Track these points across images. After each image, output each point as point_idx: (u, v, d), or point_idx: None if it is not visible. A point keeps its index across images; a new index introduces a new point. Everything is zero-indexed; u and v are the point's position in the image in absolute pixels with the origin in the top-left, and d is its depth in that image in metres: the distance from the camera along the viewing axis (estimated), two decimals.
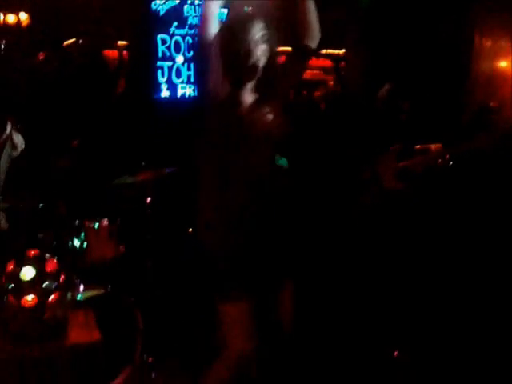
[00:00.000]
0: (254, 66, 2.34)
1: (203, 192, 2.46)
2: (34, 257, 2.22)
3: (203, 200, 2.46)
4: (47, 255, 2.27)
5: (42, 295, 2.17)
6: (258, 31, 2.34)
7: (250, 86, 2.40)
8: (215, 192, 2.40)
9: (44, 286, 2.17)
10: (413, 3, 6.83)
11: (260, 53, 2.34)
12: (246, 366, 2.45)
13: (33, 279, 2.16)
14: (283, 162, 3.88)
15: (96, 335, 2.39)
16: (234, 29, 2.35)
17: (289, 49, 2.61)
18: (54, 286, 2.19)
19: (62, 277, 2.25)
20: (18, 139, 2.88)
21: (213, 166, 2.40)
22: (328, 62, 9.25)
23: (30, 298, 2.14)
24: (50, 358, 2.17)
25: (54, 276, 2.20)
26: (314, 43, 2.52)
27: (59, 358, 2.18)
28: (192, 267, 2.60)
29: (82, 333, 2.35)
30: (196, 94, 2.72)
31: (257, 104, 2.41)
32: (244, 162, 2.36)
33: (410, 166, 3.56)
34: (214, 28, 2.36)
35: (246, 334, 2.37)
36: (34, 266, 2.17)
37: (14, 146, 2.84)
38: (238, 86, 2.38)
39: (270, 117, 2.42)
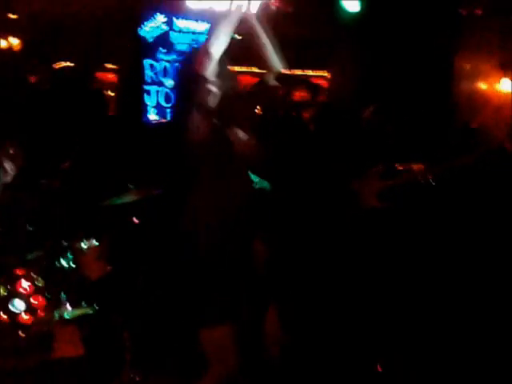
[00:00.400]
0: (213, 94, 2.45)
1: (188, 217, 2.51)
2: (22, 276, 2.29)
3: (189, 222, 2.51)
4: (34, 275, 2.34)
5: (27, 312, 2.24)
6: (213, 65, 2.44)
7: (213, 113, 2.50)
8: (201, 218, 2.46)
9: (28, 303, 2.24)
10: (398, 26, 6.97)
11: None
12: (231, 381, 2.49)
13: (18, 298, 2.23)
14: (265, 184, 3.92)
15: (80, 350, 2.44)
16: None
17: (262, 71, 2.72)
18: (38, 304, 2.25)
19: (49, 295, 2.31)
20: (8, 165, 2.92)
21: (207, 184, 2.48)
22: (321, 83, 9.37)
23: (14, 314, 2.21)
24: (34, 370, 2.22)
25: (39, 294, 2.26)
26: (269, 79, 2.68)
27: (43, 371, 2.23)
28: (177, 287, 2.64)
29: (66, 348, 2.40)
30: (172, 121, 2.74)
31: (225, 129, 2.50)
32: (224, 186, 2.45)
33: (391, 186, 3.64)
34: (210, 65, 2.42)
35: (229, 355, 2.42)
36: (4, 286, 2.25)
37: (4, 172, 2.88)
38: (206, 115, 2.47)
39: (244, 139, 2.53)
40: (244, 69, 5.71)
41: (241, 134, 2.53)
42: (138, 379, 3.10)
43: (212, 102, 2.47)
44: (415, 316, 3.55)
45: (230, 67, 2.62)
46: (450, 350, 3.32)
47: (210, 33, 2.47)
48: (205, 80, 2.39)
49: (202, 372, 2.53)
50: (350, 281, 3.66)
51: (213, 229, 2.44)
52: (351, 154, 3.98)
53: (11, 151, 2.84)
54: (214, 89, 2.46)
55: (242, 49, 2.78)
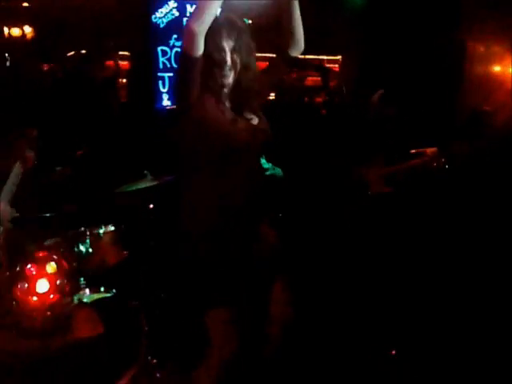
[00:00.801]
0: (227, 75, 2.34)
1: (190, 203, 2.44)
2: (42, 258, 2.35)
3: (189, 209, 2.48)
4: (55, 257, 2.40)
5: (49, 294, 2.30)
6: (229, 40, 2.33)
7: (226, 95, 2.39)
8: (204, 202, 2.37)
9: (50, 285, 2.30)
10: (407, 9, 6.91)
11: (233, 61, 2.34)
12: (232, 366, 2.50)
13: (41, 279, 2.29)
14: (277, 171, 3.93)
15: (99, 329, 2.49)
16: (207, 38, 2.26)
17: (272, 55, 2.63)
18: (59, 285, 2.31)
19: (68, 277, 2.37)
20: (29, 154, 2.96)
21: (203, 177, 2.36)
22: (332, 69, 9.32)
23: (36, 296, 2.27)
24: (56, 351, 2.29)
25: (59, 276, 2.32)
26: (297, 52, 2.56)
27: (64, 351, 2.30)
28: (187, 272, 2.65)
29: (86, 328, 2.46)
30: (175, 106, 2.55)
31: (237, 112, 2.39)
32: (234, 171, 2.34)
33: (400, 170, 3.64)
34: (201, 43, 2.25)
35: (228, 336, 2.39)
36: (41, 268, 2.30)
37: (25, 160, 2.91)
38: (218, 98, 2.35)
39: (254, 123, 2.42)
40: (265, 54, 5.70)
41: (255, 121, 2.43)
42: (154, 363, 3.16)
43: (224, 82, 2.34)
44: (422, 303, 3.57)
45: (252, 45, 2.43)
46: (451, 343, 3.33)
47: (193, 10, 2.25)
48: (196, 60, 2.22)
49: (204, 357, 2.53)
50: (358, 264, 3.69)
51: (214, 224, 2.37)
52: (358, 139, 3.99)
53: (31, 139, 2.87)
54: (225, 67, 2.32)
55: (255, 35, 2.71)
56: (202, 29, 2.19)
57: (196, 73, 2.26)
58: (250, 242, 2.43)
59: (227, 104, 2.39)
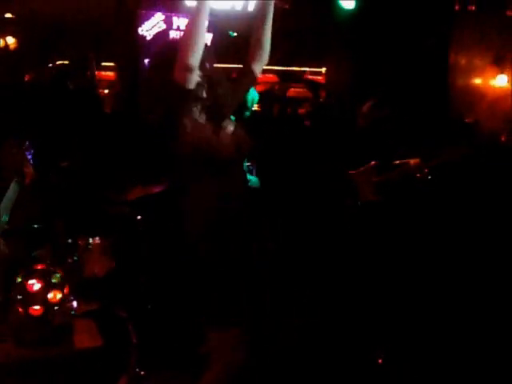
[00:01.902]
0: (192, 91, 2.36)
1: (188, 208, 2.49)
2: (41, 270, 2.35)
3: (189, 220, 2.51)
4: (52, 268, 2.40)
5: (48, 305, 2.30)
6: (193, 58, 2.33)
7: (197, 110, 2.43)
8: (201, 206, 2.41)
9: (49, 296, 2.30)
10: (393, 22, 7.01)
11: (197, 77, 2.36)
12: (237, 376, 2.51)
13: (39, 290, 2.29)
14: (254, 181, 3.95)
15: (97, 340, 2.49)
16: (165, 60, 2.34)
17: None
18: (58, 297, 2.31)
19: (67, 288, 2.37)
20: (28, 169, 2.91)
21: (201, 184, 2.40)
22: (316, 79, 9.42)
23: (36, 307, 2.27)
24: (56, 361, 2.28)
25: (59, 287, 2.32)
26: (259, 65, 2.62)
27: (64, 362, 2.29)
28: (183, 282, 2.66)
29: (82, 339, 2.46)
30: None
31: (213, 125, 2.44)
32: (217, 184, 2.38)
33: (388, 180, 3.68)
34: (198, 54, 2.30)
35: (235, 352, 2.39)
36: (40, 279, 2.30)
37: (24, 175, 2.86)
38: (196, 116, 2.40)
39: (230, 130, 2.47)
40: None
41: (231, 128, 2.48)
42: (143, 374, 3.15)
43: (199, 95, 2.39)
44: (415, 306, 3.60)
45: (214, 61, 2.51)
46: (450, 341, 3.37)
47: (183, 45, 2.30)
48: (189, 92, 2.29)
49: (206, 368, 2.53)
50: (351, 271, 3.71)
51: (210, 230, 2.39)
52: (348, 148, 4.02)
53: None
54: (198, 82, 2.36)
55: (240, 47, 2.75)
56: (197, 62, 2.25)
57: (186, 104, 2.32)
58: (250, 244, 2.45)
59: (204, 118, 2.43)
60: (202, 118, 2.43)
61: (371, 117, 4.10)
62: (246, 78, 2.67)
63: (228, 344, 2.38)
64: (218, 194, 2.38)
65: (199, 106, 2.42)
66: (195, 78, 2.29)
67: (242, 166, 2.57)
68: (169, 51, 2.41)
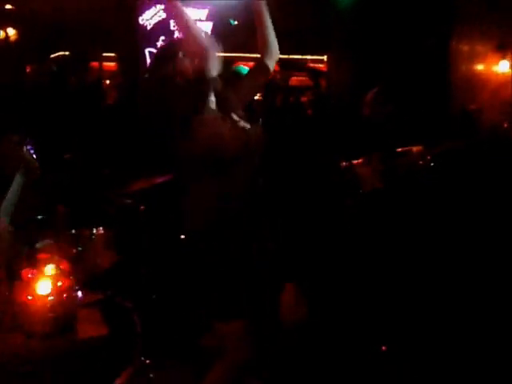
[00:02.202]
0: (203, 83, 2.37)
1: (191, 205, 2.48)
2: (45, 260, 2.36)
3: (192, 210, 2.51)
4: (55, 258, 2.41)
5: (53, 294, 2.32)
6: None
7: (212, 103, 2.42)
8: (204, 203, 2.40)
9: (54, 285, 2.32)
10: (394, 11, 6.98)
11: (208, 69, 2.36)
12: (244, 371, 2.52)
13: (44, 280, 2.31)
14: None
15: (103, 330, 2.52)
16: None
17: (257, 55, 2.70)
18: (63, 287, 2.33)
19: (72, 278, 2.39)
20: (35, 165, 2.87)
21: (206, 180, 2.38)
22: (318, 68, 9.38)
23: (41, 297, 2.29)
24: (59, 352, 2.31)
25: (64, 277, 2.34)
26: (271, 60, 2.65)
27: (66, 353, 2.32)
28: (186, 273, 2.67)
29: (88, 329, 2.48)
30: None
31: (226, 119, 2.43)
32: (217, 183, 2.37)
33: (392, 167, 3.68)
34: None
35: (242, 345, 2.41)
36: (44, 269, 2.32)
37: (30, 171, 2.82)
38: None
39: (245, 128, 2.46)
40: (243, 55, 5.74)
41: (243, 123, 2.47)
42: (148, 363, 3.18)
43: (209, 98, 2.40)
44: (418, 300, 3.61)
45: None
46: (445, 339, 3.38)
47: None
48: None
49: (212, 361, 2.55)
50: (352, 263, 3.73)
51: (210, 229, 2.39)
52: (350, 138, 4.02)
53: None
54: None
55: (241, 35, 2.75)
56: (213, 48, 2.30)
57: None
58: (250, 243, 2.45)
59: (216, 110, 2.42)
60: (214, 107, 2.41)
61: (376, 105, 4.10)
62: (260, 72, 2.68)
63: (229, 338, 2.40)
64: (218, 194, 2.36)
65: (214, 99, 2.41)
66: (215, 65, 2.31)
67: (251, 164, 2.47)
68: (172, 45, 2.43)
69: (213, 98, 2.42)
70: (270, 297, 2.52)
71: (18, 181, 2.82)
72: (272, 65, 2.67)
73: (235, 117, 2.45)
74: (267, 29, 2.63)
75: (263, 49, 2.64)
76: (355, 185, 3.70)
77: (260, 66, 2.67)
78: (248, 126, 2.48)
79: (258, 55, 2.68)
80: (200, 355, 3.04)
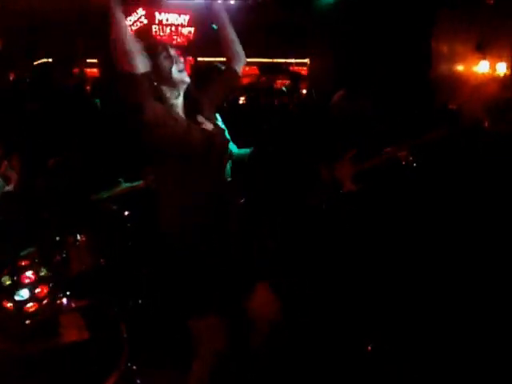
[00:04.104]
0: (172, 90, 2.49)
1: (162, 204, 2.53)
2: (26, 266, 2.37)
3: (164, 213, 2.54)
4: (34, 265, 2.41)
5: (32, 301, 2.32)
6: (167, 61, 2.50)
7: (178, 105, 2.53)
8: (176, 208, 2.47)
9: (35, 292, 2.32)
10: (374, 11, 7.04)
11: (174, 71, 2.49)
12: (221, 364, 2.57)
13: (25, 286, 2.32)
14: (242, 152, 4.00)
15: (84, 335, 2.52)
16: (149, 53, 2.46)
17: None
18: (44, 292, 2.33)
19: (53, 283, 2.39)
20: (12, 174, 2.87)
21: (173, 180, 2.46)
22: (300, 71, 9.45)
23: (22, 302, 2.30)
24: (37, 357, 2.31)
25: (45, 283, 2.34)
26: (238, 65, 2.73)
27: (46, 357, 2.32)
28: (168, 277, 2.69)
29: (69, 334, 2.48)
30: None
31: (190, 119, 2.52)
32: (197, 173, 2.44)
33: (369, 168, 3.70)
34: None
35: (216, 340, 2.50)
36: (25, 274, 2.32)
37: (6, 180, 2.82)
38: (169, 108, 2.49)
39: (208, 128, 2.54)
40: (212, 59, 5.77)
41: (208, 126, 2.55)
42: (134, 369, 3.17)
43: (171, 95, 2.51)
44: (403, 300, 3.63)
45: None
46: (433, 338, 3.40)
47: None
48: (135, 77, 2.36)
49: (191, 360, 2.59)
50: (336, 265, 3.74)
51: (188, 228, 2.45)
52: (323, 138, 4.05)
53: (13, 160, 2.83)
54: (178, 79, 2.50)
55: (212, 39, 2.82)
56: (133, 46, 2.39)
57: (142, 88, 2.38)
58: (226, 240, 2.50)
59: (180, 113, 2.52)
60: (178, 113, 2.50)
61: (342, 107, 4.13)
62: (229, 76, 2.76)
63: (204, 333, 2.47)
64: (188, 193, 2.43)
65: (175, 93, 2.50)
66: (141, 61, 2.37)
67: (218, 165, 2.57)
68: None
69: (177, 101, 2.51)
70: (243, 293, 2.57)
71: None
72: (239, 69, 2.75)
73: (200, 118, 2.53)
74: (229, 33, 2.70)
75: (228, 53, 2.72)
76: (333, 186, 3.72)
77: (227, 70, 2.75)
78: (211, 127, 2.55)
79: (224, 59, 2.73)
80: (187, 360, 3.04)
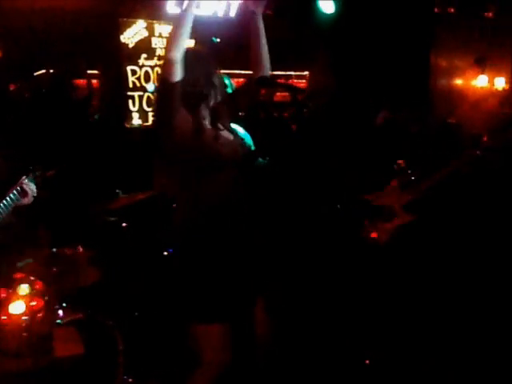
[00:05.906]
0: (202, 93, 2.49)
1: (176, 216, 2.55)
2: (21, 279, 2.35)
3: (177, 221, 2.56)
4: (29, 278, 2.40)
5: (27, 314, 2.30)
6: (203, 64, 2.52)
7: (204, 112, 2.53)
8: (187, 215, 2.50)
9: (27, 305, 2.30)
10: (374, 26, 7.07)
11: (206, 81, 2.50)
12: (223, 376, 2.55)
13: (18, 300, 2.30)
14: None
15: (79, 348, 2.50)
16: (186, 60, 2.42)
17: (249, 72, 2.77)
18: (39, 305, 2.31)
19: (48, 297, 2.37)
20: (30, 188, 2.80)
21: (185, 190, 2.49)
22: (299, 85, 9.43)
23: (14, 316, 2.27)
24: (33, 371, 2.29)
25: (40, 296, 2.33)
26: (264, 74, 2.71)
27: (42, 371, 2.30)
28: (168, 288, 2.69)
29: (65, 348, 2.46)
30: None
31: (215, 128, 2.54)
32: (214, 183, 2.47)
33: (419, 196, 3.59)
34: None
35: (222, 349, 2.48)
36: (19, 288, 2.30)
37: (24, 193, 2.74)
38: (193, 113, 2.48)
39: (231, 138, 2.58)
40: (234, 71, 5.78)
41: (225, 134, 2.57)
42: (131, 381, 3.15)
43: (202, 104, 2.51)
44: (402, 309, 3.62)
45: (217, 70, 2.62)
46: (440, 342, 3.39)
47: (168, 38, 2.44)
48: (174, 85, 2.36)
49: (194, 370, 2.57)
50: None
51: (205, 230, 2.47)
52: (365, 160, 4.00)
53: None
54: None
55: (230, 52, 2.82)
56: (179, 55, 2.33)
57: (175, 96, 2.38)
58: (240, 244, 2.52)
59: (207, 122, 2.52)
60: (206, 123, 2.51)
61: (387, 128, 4.07)
62: (251, 89, 2.76)
63: (208, 341, 2.45)
64: (203, 200, 2.44)
65: (204, 111, 2.50)
66: (179, 71, 2.36)
67: (231, 173, 2.56)
68: None
69: (205, 112, 2.52)
70: (251, 303, 2.56)
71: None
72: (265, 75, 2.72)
73: (221, 129, 2.54)
74: (263, 46, 2.69)
75: (257, 65, 2.70)
76: (389, 218, 3.60)
77: (250, 81, 2.75)
78: (231, 137, 2.59)
79: (250, 72, 2.73)
80: (184, 372, 3.02)
